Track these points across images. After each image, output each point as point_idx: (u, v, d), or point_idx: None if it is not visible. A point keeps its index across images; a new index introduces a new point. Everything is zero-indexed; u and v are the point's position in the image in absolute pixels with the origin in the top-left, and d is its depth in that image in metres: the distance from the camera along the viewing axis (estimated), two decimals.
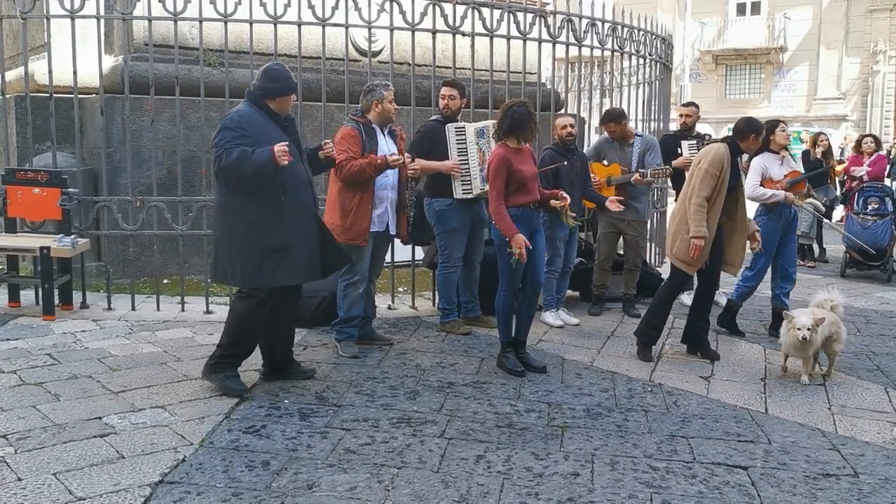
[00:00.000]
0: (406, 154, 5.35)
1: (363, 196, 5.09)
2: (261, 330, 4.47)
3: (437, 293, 6.36)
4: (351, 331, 5.32)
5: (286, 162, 4.13)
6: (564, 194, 5.08)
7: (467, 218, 5.79)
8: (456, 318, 5.91)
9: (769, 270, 5.99)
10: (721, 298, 6.88)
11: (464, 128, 5.72)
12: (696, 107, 7.33)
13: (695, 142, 6.71)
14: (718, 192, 5.00)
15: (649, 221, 8.29)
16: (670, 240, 5.21)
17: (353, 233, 5.10)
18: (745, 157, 6.05)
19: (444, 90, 5.86)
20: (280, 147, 4.11)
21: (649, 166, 6.38)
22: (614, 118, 6.61)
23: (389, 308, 6.44)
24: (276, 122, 4.36)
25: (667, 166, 6.36)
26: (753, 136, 5.12)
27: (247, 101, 4.38)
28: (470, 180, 5.65)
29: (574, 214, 5.50)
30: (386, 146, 5.24)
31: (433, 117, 6.03)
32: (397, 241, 5.74)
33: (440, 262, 5.84)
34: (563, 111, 8.22)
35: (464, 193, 5.66)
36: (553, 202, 5.01)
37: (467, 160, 5.66)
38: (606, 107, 7.37)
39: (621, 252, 6.85)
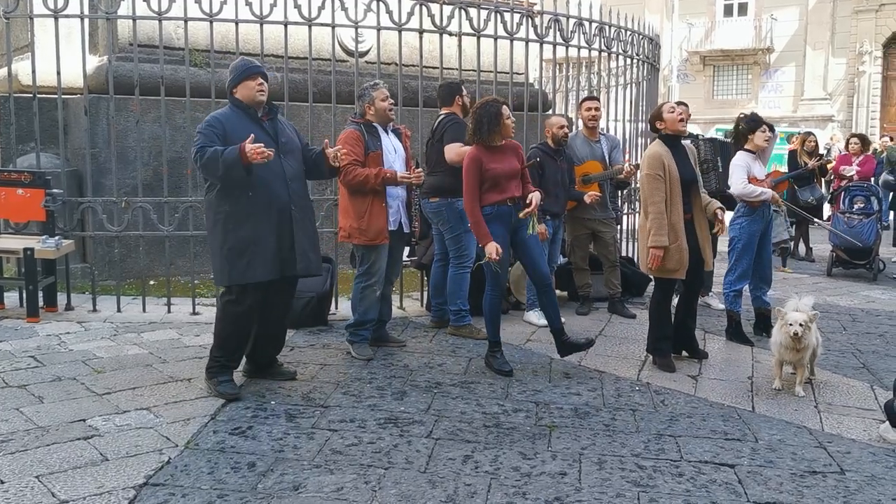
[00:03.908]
0: (416, 169, 5.30)
1: (375, 197, 5.05)
2: (244, 331, 4.43)
3: (428, 294, 6.34)
4: (365, 333, 5.28)
5: (258, 159, 4.04)
6: (532, 200, 4.84)
7: None
8: (471, 322, 5.81)
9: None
10: (713, 301, 6.90)
11: None
12: (686, 106, 7.26)
13: (688, 141, 6.69)
14: (673, 192, 4.91)
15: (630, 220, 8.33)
16: (644, 254, 5.05)
17: (371, 233, 5.06)
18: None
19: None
20: (251, 146, 4.03)
21: (615, 163, 6.65)
22: (592, 97, 6.84)
23: None
24: (252, 119, 4.34)
25: None
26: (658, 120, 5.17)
27: (228, 104, 4.45)
28: None
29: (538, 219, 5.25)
30: (391, 145, 5.22)
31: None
32: None
33: (456, 262, 5.71)
34: (550, 111, 8.24)
35: None
36: (521, 214, 4.81)
37: None
38: None
39: (594, 253, 6.85)
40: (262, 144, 4.08)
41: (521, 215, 4.82)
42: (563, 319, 5.02)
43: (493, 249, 4.64)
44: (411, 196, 5.36)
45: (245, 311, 4.36)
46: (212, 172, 4.21)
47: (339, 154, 4.60)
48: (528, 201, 4.85)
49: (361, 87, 5.26)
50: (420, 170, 5.37)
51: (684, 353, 5.33)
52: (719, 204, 5.21)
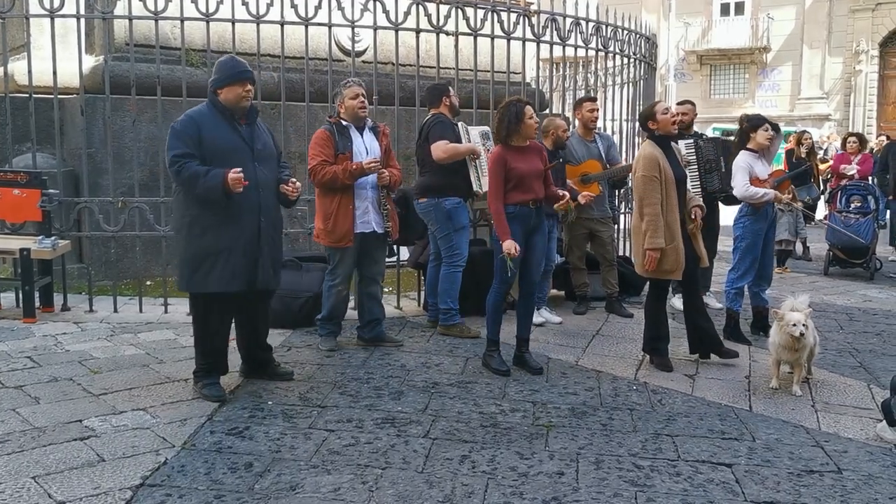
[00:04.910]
0: (382, 171, 5.21)
1: (342, 199, 5.08)
2: (218, 337, 4.38)
3: (424, 293, 6.34)
4: (332, 327, 5.37)
5: (240, 189, 4.01)
6: (563, 193, 5.04)
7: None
8: (462, 321, 5.81)
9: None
10: (710, 300, 6.88)
11: (467, 129, 5.88)
12: (693, 105, 7.18)
13: (691, 141, 6.64)
14: (668, 193, 4.89)
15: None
16: (639, 256, 5.03)
17: (336, 235, 5.11)
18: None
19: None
20: (234, 175, 3.99)
21: (613, 161, 6.69)
22: (593, 98, 6.89)
23: None
24: (228, 121, 4.23)
25: None
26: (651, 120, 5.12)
27: (206, 101, 4.34)
28: (481, 177, 5.75)
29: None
30: (364, 144, 5.21)
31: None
32: None
33: (448, 262, 5.72)
34: (547, 111, 8.25)
35: (479, 187, 5.73)
36: (556, 206, 5.00)
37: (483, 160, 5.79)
38: None
39: (591, 252, 6.86)
40: (240, 171, 4.02)
41: (555, 207, 4.96)
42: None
43: (510, 246, 4.66)
44: (380, 196, 5.29)
45: (215, 318, 4.32)
46: (189, 190, 4.14)
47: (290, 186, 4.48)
48: (561, 194, 4.97)
49: (338, 85, 5.31)
50: (385, 171, 5.23)
51: (714, 357, 5.21)
52: (699, 202, 5.18)
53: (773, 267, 6.01)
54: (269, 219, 4.36)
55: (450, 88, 5.83)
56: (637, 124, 8.34)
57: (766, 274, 5.90)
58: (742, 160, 5.74)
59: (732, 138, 6.64)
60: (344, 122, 5.19)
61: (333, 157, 5.05)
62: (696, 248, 5.08)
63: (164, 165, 6.17)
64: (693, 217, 5.06)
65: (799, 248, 10.18)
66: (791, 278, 8.62)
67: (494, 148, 4.97)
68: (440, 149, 5.57)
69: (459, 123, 5.85)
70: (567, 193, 5.04)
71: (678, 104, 7.20)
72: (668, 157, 4.99)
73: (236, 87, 4.21)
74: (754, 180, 5.66)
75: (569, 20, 7.02)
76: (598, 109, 6.66)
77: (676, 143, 5.43)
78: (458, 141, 5.71)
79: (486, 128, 6.07)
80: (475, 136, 5.87)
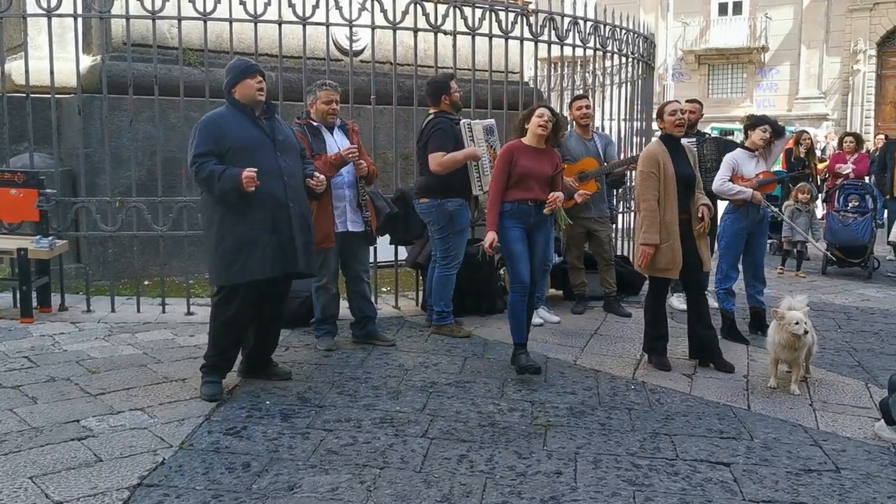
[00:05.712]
0: (360, 162, 5.19)
1: (321, 199, 5.03)
2: (235, 331, 4.39)
3: (423, 293, 6.33)
4: (327, 327, 5.39)
5: (252, 189, 4.13)
6: (555, 195, 4.91)
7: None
8: (454, 321, 5.82)
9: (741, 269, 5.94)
10: (709, 299, 6.86)
11: (470, 126, 5.81)
12: (700, 104, 7.07)
13: (694, 139, 6.60)
14: (667, 190, 4.87)
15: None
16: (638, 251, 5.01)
17: (318, 237, 5.03)
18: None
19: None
20: (248, 174, 4.11)
21: (610, 159, 6.68)
22: (583, 95, 6.90)
23: None
24: (249, 116, 4.35)
25: None
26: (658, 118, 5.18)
27: (225, 103, 4.45)
28: (482, 177, 5.72)
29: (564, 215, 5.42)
30: (336, 144, 5.21)
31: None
32: (382, 241, 5.72)
33: (442, 263, 5.71)
34: None
35: (479, 189, 5.71)
36: (546, 210, 4.91)
37: (486, 157, 5.75)
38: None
39: (589, 251, 6.85)
40: (254, 171, 4.13)
41: (545, 211, 4.92)
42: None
43: (490, 239, 4.77)
44: (358, 192, 5.27)
45: (237, 311, 4.32)
46: (208, 190, 4.28)
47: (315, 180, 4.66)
48: (549, 199, 4.91)
49: (314, 83, 5.30)
50: (363, 162, 5.21)
51: (711, 365, 5.09)
52: (706, 201, 5.10)
53: (763, 268, 5.99)
54: (298, 205, 4.44)
55: (450, 84, 5.72)
56: (635, 124, 8.38)
57: (757, 275, 5.90)
58: (730, 157, 5.77)
59: (731, 138, 6.66)
60: (314, 123, 5.20)
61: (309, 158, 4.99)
62: (699, 252, 5.04)
63: (162, 165, 6.26)
64: (701, 216, 5.00)
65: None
66: (788, 277, 8.62)
67: (509, 141, 5.05)
68: (436, 161, 5.54)
69: (462, 122, 5.74)
70: (558, 194, 4.92)
71: (686, 102, 7.14)
72: (675, 156, 4.98)
73: (248, 81, 4.33)
74: (737, 178, 5.67)
75: (567, 19, 7.02)
76: (587, 107, 6.62)
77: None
78: (459, 146, 5.65)
79: (491, 122, 5.94)
80: (479, 133, 5.76)
